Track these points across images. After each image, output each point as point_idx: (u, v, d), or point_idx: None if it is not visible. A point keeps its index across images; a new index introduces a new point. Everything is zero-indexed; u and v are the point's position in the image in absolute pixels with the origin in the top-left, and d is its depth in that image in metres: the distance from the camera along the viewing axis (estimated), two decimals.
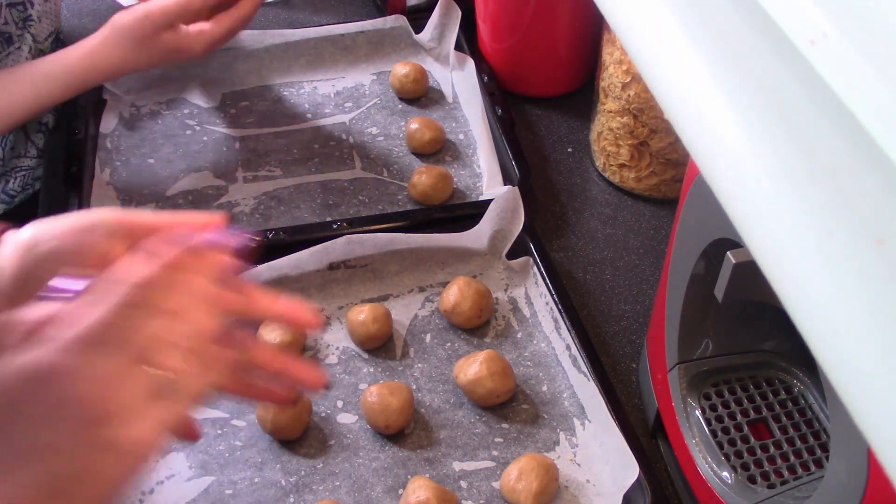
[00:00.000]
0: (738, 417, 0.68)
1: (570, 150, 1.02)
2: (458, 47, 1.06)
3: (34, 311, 0.43)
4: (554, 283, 0.81)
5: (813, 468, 0.64)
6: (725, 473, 0.65)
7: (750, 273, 0.57)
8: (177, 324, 0.43)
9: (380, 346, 0.80)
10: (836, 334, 0.24)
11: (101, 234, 0.49)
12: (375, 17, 1.11)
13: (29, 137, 0.97)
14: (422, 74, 1.04)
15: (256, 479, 0.71)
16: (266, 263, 0.80)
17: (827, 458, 0.64)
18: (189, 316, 0.43)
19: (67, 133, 0.97)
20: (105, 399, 0.40)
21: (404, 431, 0.74)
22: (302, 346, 0.79)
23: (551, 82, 1.07)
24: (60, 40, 1.02)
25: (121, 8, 1.20)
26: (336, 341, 0.81)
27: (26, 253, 0.49)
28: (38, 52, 0.96)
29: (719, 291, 0.59)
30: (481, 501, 0.70)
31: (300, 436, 0.73)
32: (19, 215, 0.97)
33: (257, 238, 0.46)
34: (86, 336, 0.41)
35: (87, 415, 0.40)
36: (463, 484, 0.71)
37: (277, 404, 0.54)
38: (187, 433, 0.51)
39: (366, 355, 0.80)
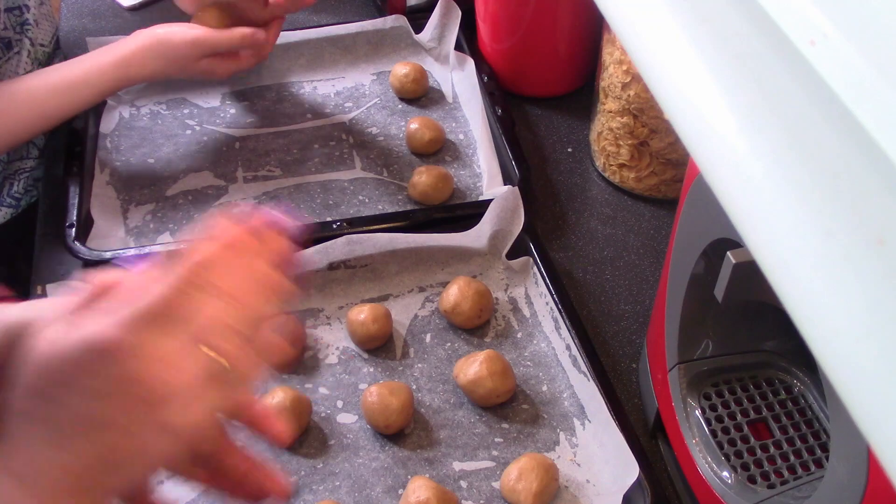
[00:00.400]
0: (738, 417, 0.68)
1: (570, 150, 1.02)
2: (458, 47, 1.06)
3: (101, 277, 0.42)
4: (554, 283, 0.81)
5: (813, 468, 0.64)
6: (725, 473, 0.65)
7: (750, 273, 0.57)
8: (236, 308, 0.42)
9: (380, 346, 0.80)
10: (836, 334, 0.24)
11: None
12: (375, 17, 1.11)
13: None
14: (422, 74, 1.04)
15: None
16: None
17: (827, 458, 0.64)
18: (248, 300, 0.43)
19: (67, 133, 0.97)
20: (165, 380, 0.39)
21: (404, 431, 0.74)
22: (302, 346, 0.79)
23: (551, 82, 1.07)
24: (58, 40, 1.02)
25: (121, 8, 1.20)
26: (336, 341, 0.81)
27: (3, 338, 0.46)
28: (40, 56, 0.96)
29: (719, 291, 0.59)
30: (481, 501, 0.70)
31: (300, 436, 0.73)
32: (27, 219, 0.97)
33: (307, 223, 0.46)
34: (147, 313, 0.40)
35: (146, 395, 0.39)
36: (463, 484, 0.71)
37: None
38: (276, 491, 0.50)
39: (366, 355, 0.80)
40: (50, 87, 0.87)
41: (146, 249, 0.84)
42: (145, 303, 0.40)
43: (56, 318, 0.41)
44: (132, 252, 0.84)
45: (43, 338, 0.40)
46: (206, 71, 0.92)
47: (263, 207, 0.46)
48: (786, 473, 0.64)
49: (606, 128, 0.93)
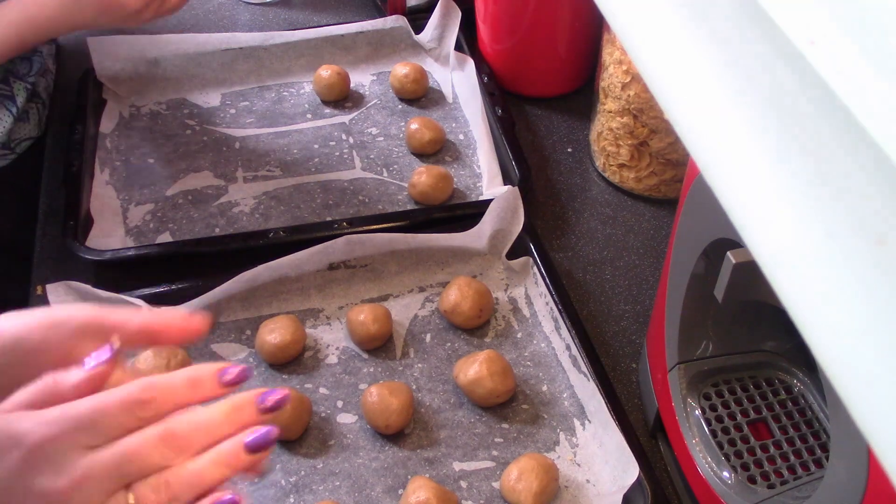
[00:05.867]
0: (738, 417, 0.68)
1: (570, 150, 1.02)
2: (458, 48, 1.06)
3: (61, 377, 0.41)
4: (554, 283, 0.81)
5: (813, 468, 0.64)
6: (725, 473, 0.65)
7: (750, 273, 0.57)
8: (174, 455, 0.40)
9: (380, 346, 0.80)
10: (836, 334, 0.24)
11: (67, 331, 0.45)
12: (375, 18, 1.11)
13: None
14: (421, 75, 1.04)
15: (256, 479, 0.71)
16: (266, 264, 0.80)
17: (827, 458, 0.64)
18: (190, 453, 0.41)
19: (67, 133, 0.97)
20: (62, 494, 0.38)
21: (404, 431, 0.74)
22: (302, 346, 0.79)
23: (551, 82, 1.07)
24: None
25: None
26: (336, 341, 0.81)
27: None
28: None
29: (719, 291, 0.59)
30: (481, 501, 0.70)
31: (300, 436, 0.73)
32: (27, 211, 0.97)
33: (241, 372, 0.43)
34: (77, 417, 0.39)
35: (39, 500, 0.38)
36: (463, 484, 0.71)
37: None
38: None
39: (366, 355, 0.80)
40: None
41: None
42: (82, 407, 0.39)
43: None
44: (132, 252, 0.84)
45: None
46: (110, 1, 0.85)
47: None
48: (786, 473, 0.64)
49: (606, 128, 0.93)
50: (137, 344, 0.47)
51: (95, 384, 0.41)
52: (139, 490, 0.39)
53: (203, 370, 0.42)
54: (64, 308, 0.47)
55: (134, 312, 0.47)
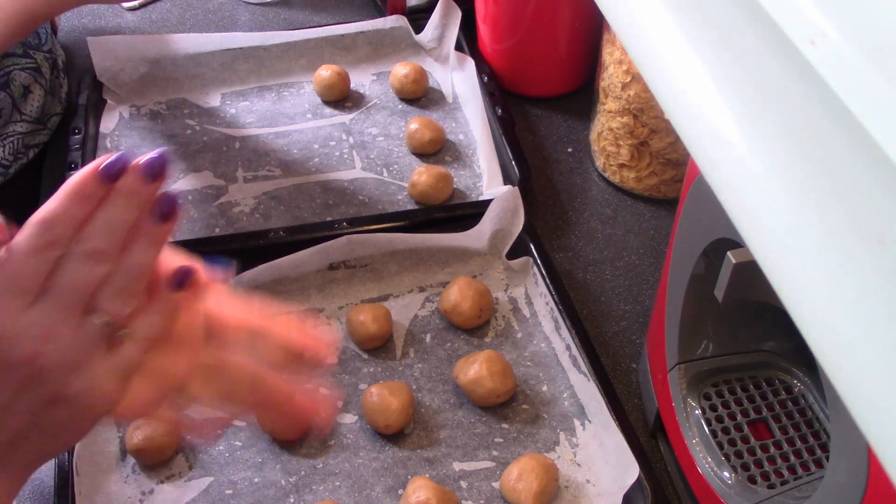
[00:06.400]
0: (738, 417, 0.68)
1: (570, 150, 1.02)
2: (458, 48, 1.06)
3: None
4: (554, 283, 0.81)
5: (813, 468, 0.64)
6: (725, 473, 0.65)
7: (750, 273, 0.57)
8: (106, 264, 0.40)
9: (380, 346, 0.80)
10: (836, 334, 0.24)
11: None
12: (375, 18, 1.11)
13: (15, 104, 0.96)
14: (421, 75, 1.04)
15: (256, 479, 0.71)
16: (266, 263, 0.80)
17: (827, 458, 0.64)
18: (119, 254, 0.40)
19: (67, 133, 0.97)
20: (42, 354, 0.38)
21: (404, 431, 0.74)
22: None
23: (551, 82, 1.07)
24: None
25: (120, 8, 1.20)
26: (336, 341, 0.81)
27: None
28: None
29: (719, 291, 0.59)
30: (481, 501, 0.70)
31: (300, 436, 0.73)
32: (17, 187, 0.96)
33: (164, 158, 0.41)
34: (8, 288, 0.38)
35: (26, 373, 0.39)
36: (463, 484, 0.71)
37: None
38: (207, 435, 0.49)
39: (366, 355, 0.80)
40: None
41: None
42: (2, 277, 0.39)
43: None
44: None
45: None
46: None
47: (125, 155, 0.41)
48: (786, 473, 0.64)
49: (606, 128, 0.93)
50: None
51: None
52: (101, 307, 0.39)
53: (81, 179, 0.40)
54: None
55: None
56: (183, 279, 0.43)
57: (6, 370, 0.39)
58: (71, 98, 1.02)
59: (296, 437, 0.73)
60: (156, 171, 0.40)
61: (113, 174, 0.39)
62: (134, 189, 0.40)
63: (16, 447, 0.40)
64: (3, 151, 0.95)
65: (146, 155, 0.40)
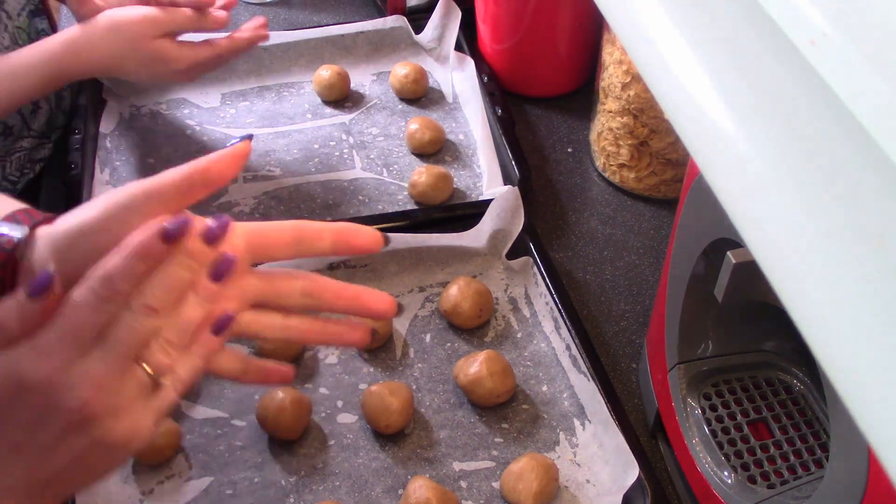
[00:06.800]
0: (738, 417, 0.68)
1: (570, 150, 1.02)
2: (458, 48, 1.06)
3: (5, 313, 0.41)
4: (554, 283, 0.81)
5: (813, 468, 0.64)
6: (725, 473, 0.65)
7: (750, 273, 0.57)
8: (159, 320, 0.42)
9: (380, 346, 0.80)
10: (835, 334, 0.24)
11: (137, 212, 0.45)
12: (375, 18, 1.11)
13: (25, 120, 0.96)
14: (421, 75, 1.04)
15: (256, 479, 0.71)
16: (266, 263, 0.80)
17: (827, 458, 0.64)
18: (169, 308, 0.42)
19: (68, 133, 0.97)
20: (92, 403, 0.40)
21: (404, 431, 0.74)
22: (302, 346, 0.79)
23: (551, 82, 1.07)
24: (40, 11, 0.99)
25: None
26: None
27: (64, 252, 0.46)
28: (16, 32, 0.94)
29: (719, 291, 0.59)
30: (481, 501, 0.70)
31: (300, 436, 0.73)
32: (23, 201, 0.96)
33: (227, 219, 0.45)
34: (66, 339, 0.40)
35: (75, 418, 0.40)
36: (463, 484, 0.71)
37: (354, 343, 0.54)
38: (278, 376, 0.51)
39: (366, 355, 0.80)
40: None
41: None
42: (63, 327, 0.40)
43: None
44: None
45: None
46: (163, 56, 0.85)
47: (186, 215, 0.44)
48: (786, 473, 0.64)
49: (606, 128, 0.93)
50: (199, 197, 0.46)
51: (44, 313, 0.41)
52: (150, 360, 0.42)
53: (144, 238, 0.42)
54: (118, 193, 0.46)
55: (176, 170, 0.47)
56: (223, 326, 0.45)
57: (55, 416, 0.40)
58: (73, 107, 1.02)
59: (296, 436, 0.73)
60: (217, 236, 0.43)
61: (175, 237, 0.42)
62: (194, 252, 0.43)
63: (50, 486, 0.41)
64: (11, 167, 0.95)
65: (209, 220, 0.43)
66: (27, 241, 0.47)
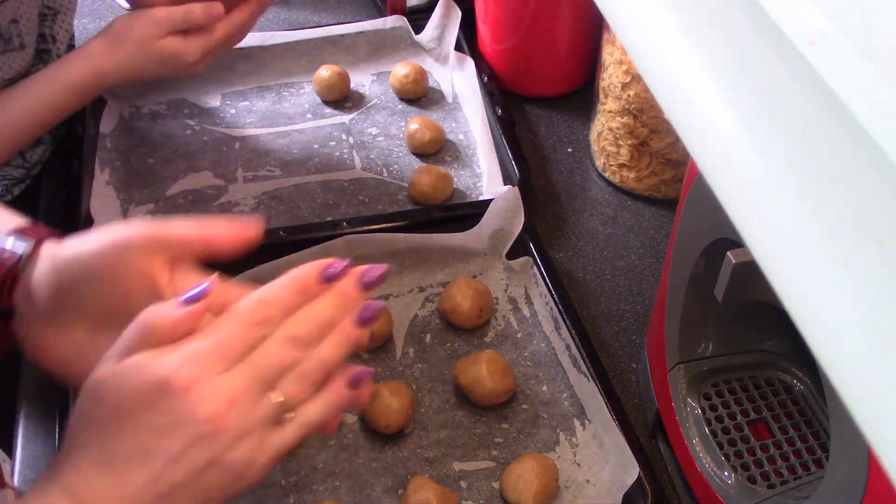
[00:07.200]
0: (738, 417, 0.68)
1: (570, 150, 1.02)
2: (458, 48, 1.06)
3: (162, 316, 0.43)
4: (554, 283, 0.81)
5: (813, 468, 0.64)
6: (725, 473, 0.65)
7: (750, 273, 0.57)
8: (301, 352, 0.44)
9: (380, 345, 0.80)
10: (836, 334, 0.24)
11: (135, 253, 0.48)
12: (375, 18, 1.11)
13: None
14: (421, 75, 1.04)
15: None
16: (266, 263, 0.80)
17: (827, 458, 0.64)
18: (314, 345, 0.44)
19: (67, 133, 0.97)
20: (223, 418, 0.41)
21: (404, 431, 0.74)
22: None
23: (551, 82, 1.07)
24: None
25: (121, 8, 1.20)
26: None
27: (62, 276, 0.49)
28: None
29: (719, 291, 0.59)
30: (481, 501, 0.70)
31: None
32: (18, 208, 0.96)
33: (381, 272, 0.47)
34: (213, 351, 0.42)
35: (203, 430, 0.41)
36: (463, 484, 0.71)
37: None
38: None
39: (366, 355, 0.80)
40: (30, 101, 0.84)
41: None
42: (214, 343, 0.42)
43: (120, 350, 0.43)
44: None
45: (107, 369, 0.42)
46: (174, 53, 0.86)
47: (351, 266, 0.46)
48: (786, 473, 0.64)
49: (606, 128, 0.93)
50: (199, 259, 0.49)
51: (195, 321, 0.43)
52: (283, 388, 0.43)
53: (305, 273, 0.45)
54: (125, 229, 0.48)
55: (188, 223, 0.49)
56: (358, 382, 0.47)
57: (186, 425, 0.41)
58: (73, 120, 1.01)
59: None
60: (372, 283, 0.46)
61: (333, 278, 0.45)
62: (347, 294, 0.45)
63: (163, 501, 0.42)
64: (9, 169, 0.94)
65: (368, 267, 0.46)
66: (30, 257, 0.49)
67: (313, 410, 0.45)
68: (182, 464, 0.41)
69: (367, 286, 0.46)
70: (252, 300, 0.43)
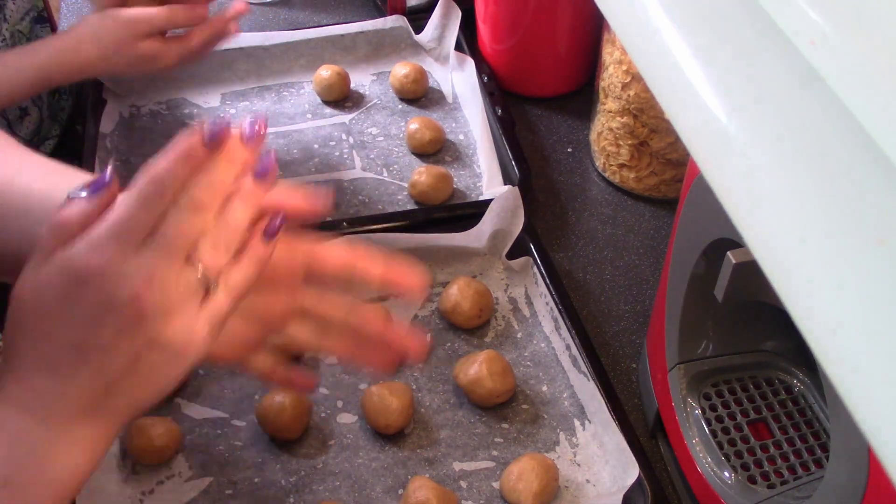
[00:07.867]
0: (738, 417, 0.68)
1: (570, 150, 1.02)
2: (458, 48, 1.06)
3: (67, 211, 0.42)
4: (554, 283, 0.81)
5: (813, 468, 0.64)
6: (725, 473, 0.65)
7: (750, 273, 0.57)
8: (207, 217, 0.43)
9: None
10: (836, 334, 0.24)
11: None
12: (375, 18, 1.11)
13: (11, 126, 0.95)
14: (421, 75, 1.04)
15: (256, 479, 0.71)
16: None
17: (827, 458, 0.64)
18: (219, 211, 0.43)
19: (67, 133, 0.96)
20: (144, 297, 0.41)
21: (404, 431, 0.74)
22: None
23: (551, 82, 1.07)
24: (43, 19, 0.99)
25: None
26: None
27: None
28: (15, 34, 0.94)
29: (719, 291, 0.59)
30: (481, 501, 0.70)
31: (300, 436, 0.73)
32: None
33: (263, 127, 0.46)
34: (119, 232, 0.41)
35: (128, 313, 0.41)
36: (463, 484, 0.71)
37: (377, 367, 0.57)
38: (301, 384, 0.52)
39: None
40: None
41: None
42: (114, 222, 0.41)
43: (37, 256, 0.42)
44: None
45: (28, 276, 0.42)
46: (149, 54, 0.85)
47: (227, 121, 0.45)
48: (786, 473, 0.64)
49: (606, 128, 0.93)
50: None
51: (102, 211, 0.43)
52: (202, 259, 0.42)
53: (188, 140, 0.43)
54: None
55: (275, 189, 0.48)
56: (274, 231, 0.46)
57: (110, 311, 0.41)
58: (73, 109, 1.01)
59: (296, 436, 0.73)
60: (253, 135, 0.44)
61: (215, 140, 0.43)
62: (234, 156, 0.44)
63: (112, 393, 0.42)
64: None
65: (245, 121, 0.44)
66: None
67: (237, 274, 0.44)
68: (119, 350, 0.41)
69: (250, 140, 0.44)
70: (142, 177, 0.42)
